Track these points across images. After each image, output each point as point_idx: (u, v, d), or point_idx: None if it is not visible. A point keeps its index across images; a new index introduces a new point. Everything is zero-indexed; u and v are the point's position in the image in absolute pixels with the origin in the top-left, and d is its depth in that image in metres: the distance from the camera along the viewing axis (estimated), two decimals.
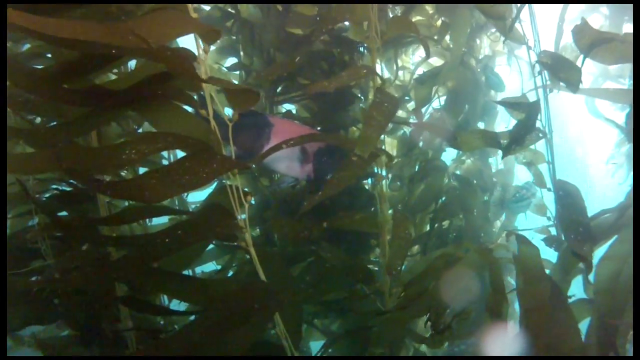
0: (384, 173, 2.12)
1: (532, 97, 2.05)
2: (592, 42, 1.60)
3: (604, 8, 2.33)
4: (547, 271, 1.66)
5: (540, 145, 2.08)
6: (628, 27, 2.30)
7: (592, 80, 2.53)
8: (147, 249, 1.20)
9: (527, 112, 1.81)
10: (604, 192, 3.30)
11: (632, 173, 2.86)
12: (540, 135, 1.92)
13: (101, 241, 1.31)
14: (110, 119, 1.28)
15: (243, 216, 1.38)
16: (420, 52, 2.74)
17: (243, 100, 1.27)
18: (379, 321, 1.68)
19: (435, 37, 2.32)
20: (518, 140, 1.76)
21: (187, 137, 1.20)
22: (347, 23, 2.28)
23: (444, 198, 2.33)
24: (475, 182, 2.35)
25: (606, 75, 2.47)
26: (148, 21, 1.10)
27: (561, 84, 1.70)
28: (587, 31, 1.62)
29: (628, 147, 2.53)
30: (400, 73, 2.70)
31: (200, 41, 1.25)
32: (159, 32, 1.09)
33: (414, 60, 2.75)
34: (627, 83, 2.41)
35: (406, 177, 2.32)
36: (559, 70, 1.61)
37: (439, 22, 2.40)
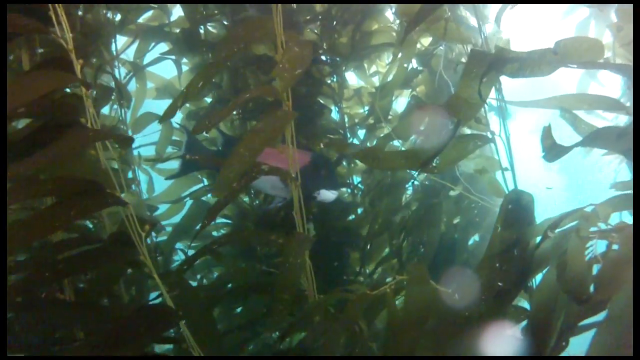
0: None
1: None
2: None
3: None
4: None
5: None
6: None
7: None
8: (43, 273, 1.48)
9: None
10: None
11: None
12: (480, 142, 1.92)
13: None
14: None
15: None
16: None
17: (124, 144, 1.50)
18: None
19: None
20: (438, 153, 1.77)
21: (72, 180, 1.44)
22: None
23: (409, 212, 2.40)
24: (440, 193, 2.37)
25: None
26: (28, 80, 1.37)
27: None
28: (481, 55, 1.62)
29: None
30: (375, 79, 2.78)
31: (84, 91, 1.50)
32: (38, 89, 1.35)
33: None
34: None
35: (368, 195, 2.43)
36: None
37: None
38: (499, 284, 1.57)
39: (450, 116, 1.56)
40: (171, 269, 1.82)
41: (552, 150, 1.55)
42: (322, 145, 1.83)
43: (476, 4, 1.98)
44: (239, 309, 2.41)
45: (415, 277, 1.54)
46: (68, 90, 1.80)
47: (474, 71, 1.70)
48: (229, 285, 2.19)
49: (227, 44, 1.79)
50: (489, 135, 2.00)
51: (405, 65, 2.20)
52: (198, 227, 2.66)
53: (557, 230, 1.68)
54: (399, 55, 2.25)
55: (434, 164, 1.84)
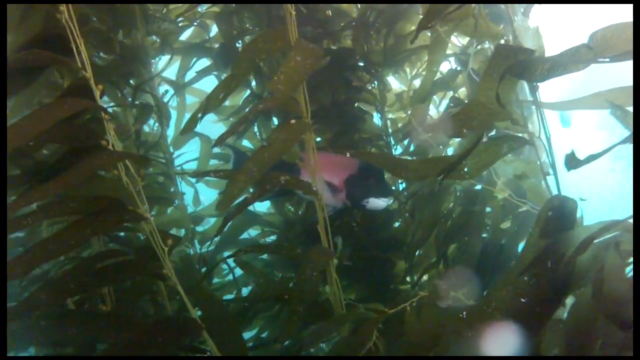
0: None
1: None
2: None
3: None
4: None
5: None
6: None
7: None
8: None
9: None
10: None
11: None
12: (515, 144, 1.79)
13: None
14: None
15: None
16: None
17: (141, 164, 1.58)
18: None
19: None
20: (464, 157, 1.67)
21: (92, 199, 1.55)
22: None
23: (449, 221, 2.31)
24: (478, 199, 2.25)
25: None
26: (47, 109, 1.50)
27: None
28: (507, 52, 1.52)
29: None
30: (416, 82, 2.71)
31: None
32: (54, 116, 1.47)
33: None
34: None
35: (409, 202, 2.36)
36: None
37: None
38: (523, 300, 1.44)
39: (463, 126, 1.47)
40: (195, 283, 1.88)
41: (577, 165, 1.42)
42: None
43: None
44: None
45: (431, 298, 1.47)
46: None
47: (496, 71, 1.60)
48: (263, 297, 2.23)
49: (247, 56, 1.82)
50: (526, 137, 1.88)
51: (435, 69, 2.12)
52: (242, 236, 2.76)
53: (596, 241, 1.53)
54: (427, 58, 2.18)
55: (465, 170, 1.76)
